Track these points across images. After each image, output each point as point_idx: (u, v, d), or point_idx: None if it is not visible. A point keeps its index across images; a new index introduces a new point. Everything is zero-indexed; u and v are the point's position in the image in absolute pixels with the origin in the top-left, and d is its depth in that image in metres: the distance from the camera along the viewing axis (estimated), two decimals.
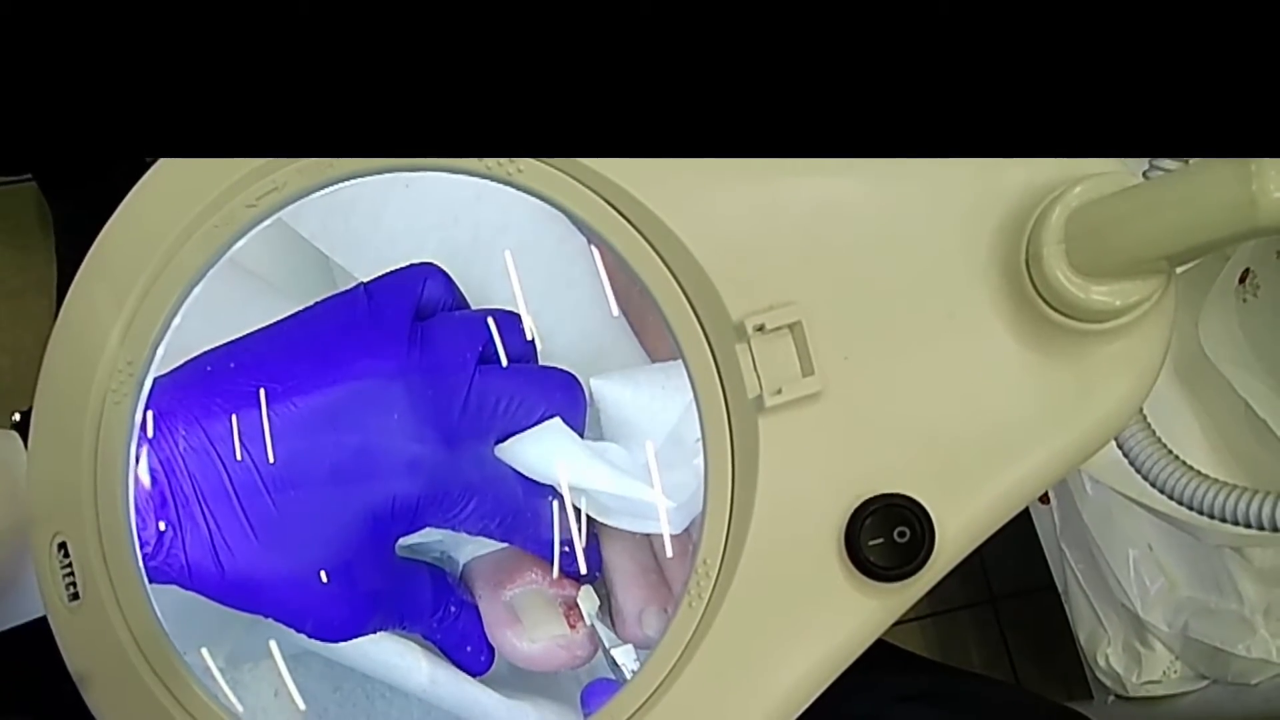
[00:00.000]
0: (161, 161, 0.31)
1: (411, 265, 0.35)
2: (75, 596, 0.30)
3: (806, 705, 0.30)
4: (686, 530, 0.35)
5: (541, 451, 0.33)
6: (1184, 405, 0.61)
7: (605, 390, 0.35)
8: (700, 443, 0.29)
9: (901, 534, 0.28)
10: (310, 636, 0.33)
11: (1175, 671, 0.64)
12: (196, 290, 0.31)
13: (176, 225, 0.30)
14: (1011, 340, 0.29)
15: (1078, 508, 0.65)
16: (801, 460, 0.29)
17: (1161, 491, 0.41)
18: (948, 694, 0.47)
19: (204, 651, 0.31)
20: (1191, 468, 0.41)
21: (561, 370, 0.35)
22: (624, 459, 0.34)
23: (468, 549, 0.37)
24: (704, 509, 0.29)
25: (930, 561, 0.28)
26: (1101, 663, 0.67)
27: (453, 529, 0.34)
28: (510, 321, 0.35)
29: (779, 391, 0.28)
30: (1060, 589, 0.71)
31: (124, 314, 0.30)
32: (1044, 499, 0.69)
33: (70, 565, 0.30)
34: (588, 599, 0.36)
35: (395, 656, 0.35)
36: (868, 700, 0.47)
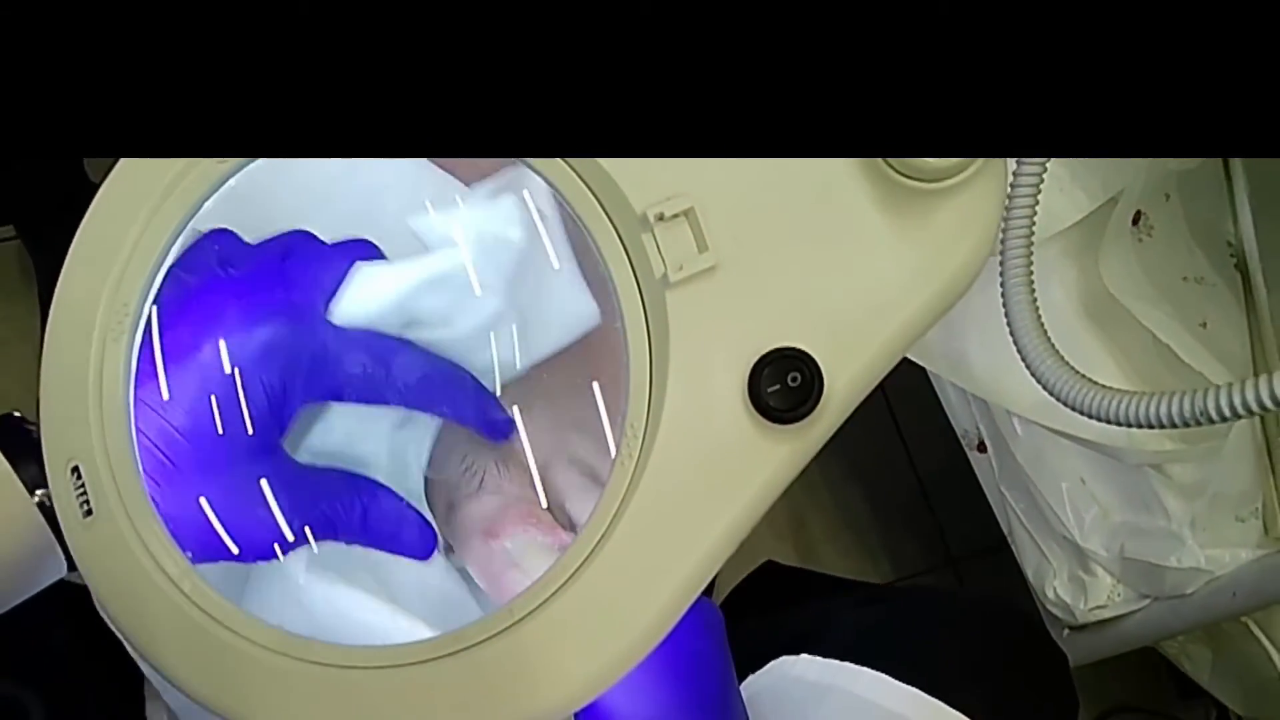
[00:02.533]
0: None
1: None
2: (89, 513, 0.34)
3: (733, 549, 0.34)
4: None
5: (365, 290, 0.36)
6: (1096, 341, 0.66)
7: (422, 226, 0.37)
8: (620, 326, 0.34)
9: (794, 379, 0.33)
10: (240, 560, 0.36)
11: (1119, 594, 0.68)
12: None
13: (157, 186, 0.35)
14: (873, 208, 0.34)
15: (1011, 451, 0.69)
16: (706, 326, 0.34)
17: (1080, 411, 0.45)
18: (890, 595, 0.51)
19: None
20: (1102, 385, 0.45)
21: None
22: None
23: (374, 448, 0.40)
24: (627, 379, 0.34)
25: (823, 401, 0.33)
26: (1050, 594, 0.71)
27: (343, 401, 0.36)
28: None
29: (680, 268, 0.33)
30: (1005, 531, 0.75)
31: (117, 264, 0.35)
32: (981, 448, 0.74)
33: (83, 486, 0.34)
34: None
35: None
36: (816, 613, 0.52)
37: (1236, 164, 0.70)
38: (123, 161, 0.35)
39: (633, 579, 0.33)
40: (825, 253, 0.34)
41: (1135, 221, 0.67)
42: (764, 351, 0.33)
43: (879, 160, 0.33)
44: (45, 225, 0.79)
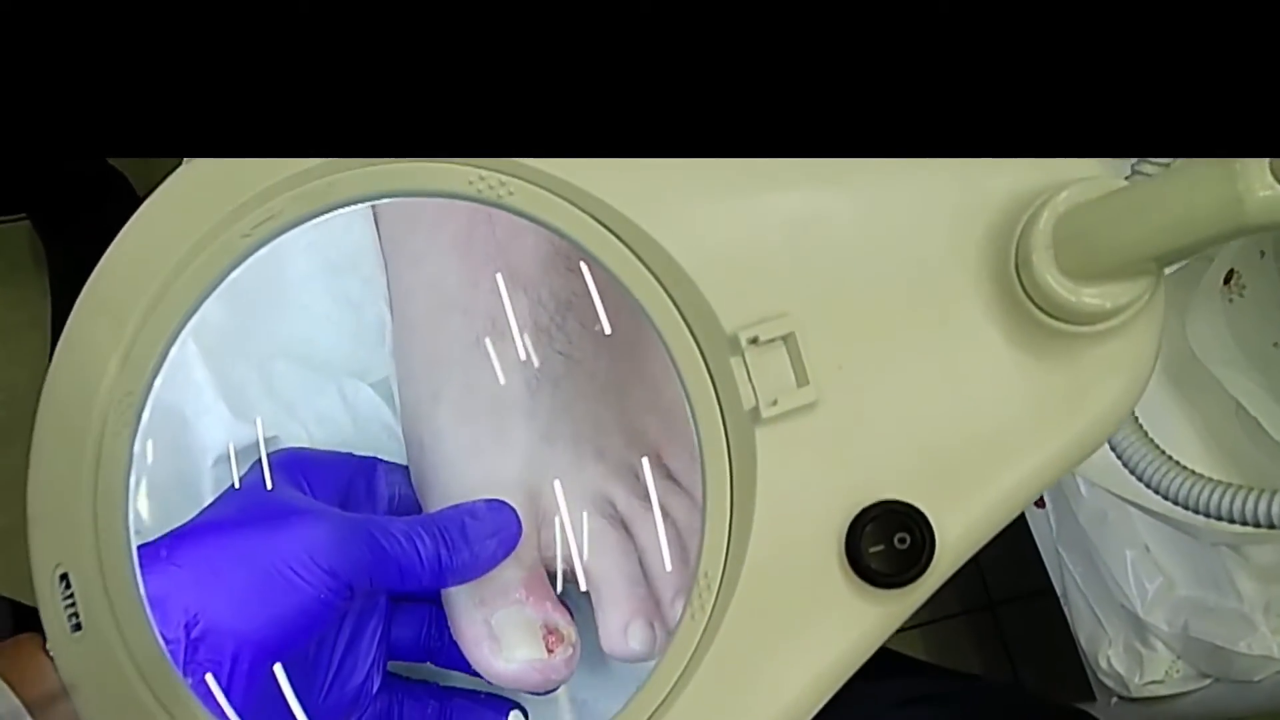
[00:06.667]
0: (158, 191, 0.31)
1: None
2: (78, 627, 0.30)
3: (813, 715, 0.30)
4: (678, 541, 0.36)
5: None
6: (1175, 406, 0.61)
7: None
8: (698, 456, 0.30)
9: (902, 540, 0.28)
10: None
11: (1177, 671, 0.64)
12: (193, 320, 0.31)
13: (173, 255, 0.31)
14: (1004, 344, 0.29)
15: (1073, 511, 0.65)
16: (799, 470, 0.29)
17: (1156, 492, 0.41)
18: (947, 695, 0.47)
19: (209, 678, 0.31)
20: (1185, 467, 0.41)
21: None
22: None
23: None
24: (703, 522, 0.29)
25: (932, 566, 0.29)
26: (1103, 664, 0.67)
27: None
28: None
29: (775, 403, 0.28)
30: (1059, 592, 0.71)
31: (121, 345, 0.30)
32: (1039, 503, 0.69)
33: (72, 596, 0.30)
34: None
35: None
36: (866, 706, 0.47)
37: None
38: (128, 231, 0.30)
39: None
40: (945, 391, 0.29)
41: (1227, 280, 0.61)
42: (867, 504, 0.29)
43: (1020, 293, 0.28)
44: (59, 210, 0.74)
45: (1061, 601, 0.71)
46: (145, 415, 0.31)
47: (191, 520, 0.35)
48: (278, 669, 0.32)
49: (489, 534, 0.37)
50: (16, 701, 0.33)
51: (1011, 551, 0.79)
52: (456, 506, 0.38)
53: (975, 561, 0.92)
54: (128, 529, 0.30)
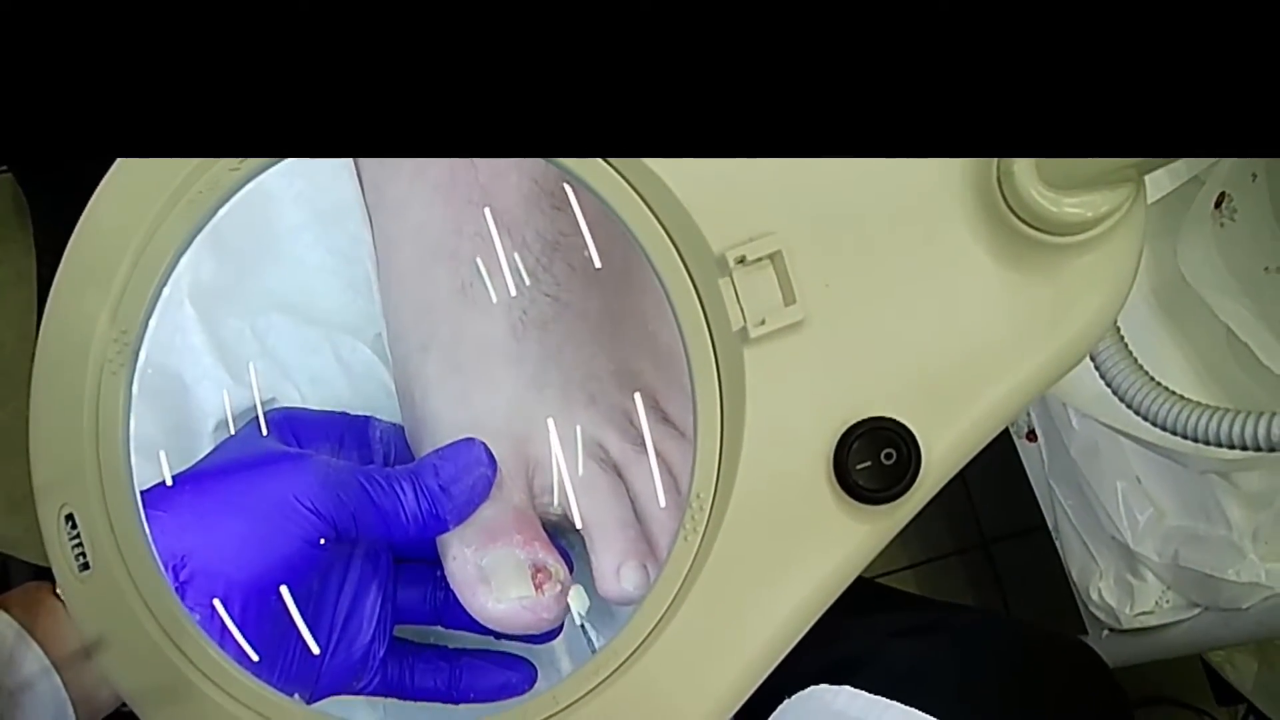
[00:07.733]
0: None
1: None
2: (85, 566, 0.31)
3: (803, 633, 0.31)
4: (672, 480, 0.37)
5: None
6: (1165, 332, 0.61)
7: None
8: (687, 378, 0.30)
9: (888, 456, 0.29)
10: None
11: (1167, 601, 0.65)
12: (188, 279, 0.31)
13: (162, 193, 0.31)
14: (988, 259, 0.29)
15: (1064, 444, 0.65)
16: (788, 389, 0.29)
17: (1145, 418, 0.42)
18: (942, 627, 0.48)
19: (216, 601, 0.32)
20: (1174, 392, 0.41)
21: None
22: None
23: None
24: (694, 445, 0.30)
25: (918, 482, 0.29)
26: (1094, 596, 0.68)
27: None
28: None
29: (762, 322, 0.29)
30: (1051, 526, 0.72)
31: (115, 285, 0.31)
32: (1031, 436, 0.70)
33: (78, 536, 0.31)
34: (579, 599, 0.37)
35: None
36: (861, 638, 0.48)
37: None
38: (116, 170, 0.31)
39: (690, 668, 0.30)
40: (930, 307, 0.29)
41: (1218, 204, 0.61)
42: (854, 421, 0.29)
43: (1003, 206, 0.28)
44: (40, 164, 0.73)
45: (1053, 535, 0.72)
46: (142, 354, 0.31)
47: (178, 472, 0.35)
48: (284, 594, 0.33)
49: (460, 472, 0.37)
50: (47, 661, 0.33)
51: (1004, 489, 0.80)
52: (428, 453, 0.38)
53: (968, 500, 0.93)
54: (129, 466, 0.31)
